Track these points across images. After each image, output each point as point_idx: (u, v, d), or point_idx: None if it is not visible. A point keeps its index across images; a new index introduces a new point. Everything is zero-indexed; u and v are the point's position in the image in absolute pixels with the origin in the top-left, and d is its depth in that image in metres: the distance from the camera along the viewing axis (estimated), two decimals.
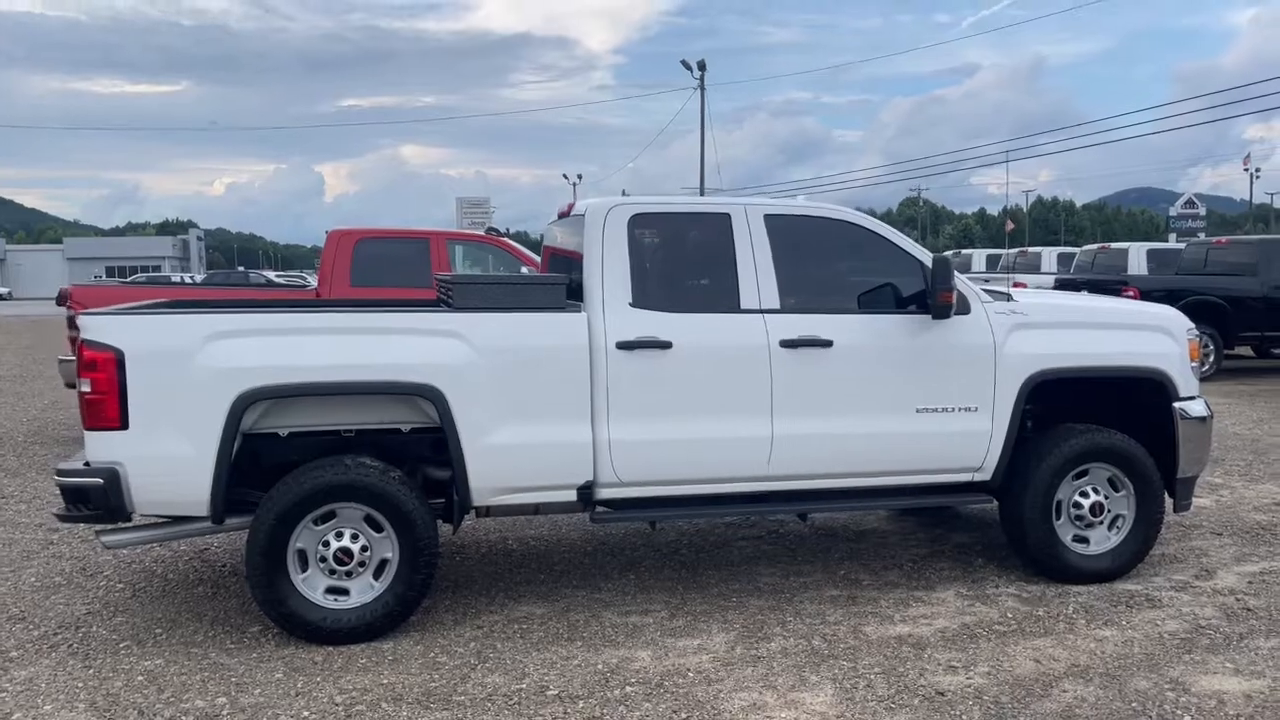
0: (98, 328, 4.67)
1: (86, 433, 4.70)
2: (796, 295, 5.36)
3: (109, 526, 4.92)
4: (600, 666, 4.61)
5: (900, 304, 5.47)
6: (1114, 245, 22.30)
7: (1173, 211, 78.41)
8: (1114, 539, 5.70)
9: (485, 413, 4.92)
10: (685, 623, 5.15)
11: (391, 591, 4.92)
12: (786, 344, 5.25)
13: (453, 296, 5.11)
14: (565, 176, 79.99)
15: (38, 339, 26.79)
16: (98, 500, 4.66)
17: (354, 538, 4.90)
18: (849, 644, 4.84)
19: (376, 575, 4.95)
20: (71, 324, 9.89)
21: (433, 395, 4.86)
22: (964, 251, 30.00)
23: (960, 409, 5.47)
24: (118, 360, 4.61)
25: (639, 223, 5.28)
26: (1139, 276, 18.35)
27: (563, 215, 5.99)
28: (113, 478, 4.63)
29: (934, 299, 5.26)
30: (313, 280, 16.93)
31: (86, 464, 4.72)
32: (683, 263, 5.47)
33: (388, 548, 4.93)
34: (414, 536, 4.90)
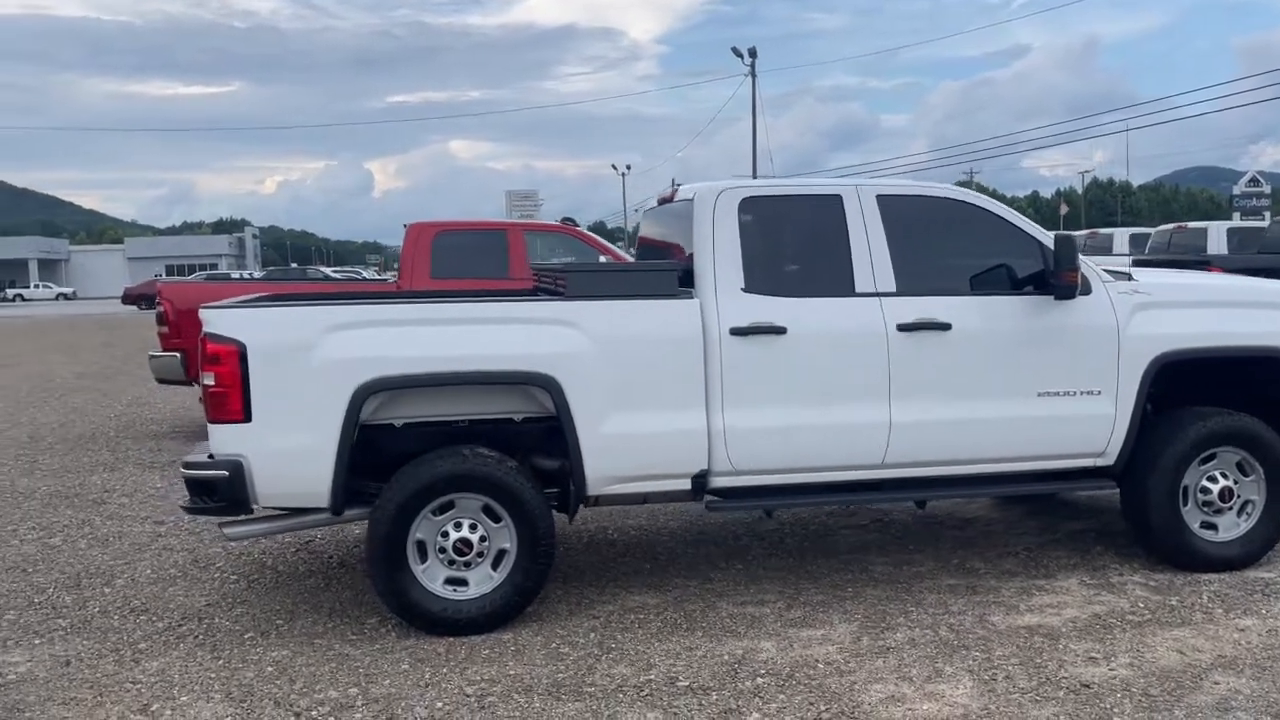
0: (221, 321, 4.69)
1: (210, 425, 4.73)
2: (912, 277, 5.24)
3: (231, 519, 4.95)
4: (726, 657, 4.54)
5: (1018, 285, 5.33)
6: (1191, 224, 21.72)
7: (1236, 190, 76.02)
8: (1244, 525, 5.52)
9: (601, 401, 4.87)
10: (804, 613, 5.07)
11: (510, 582, 4.90)
12: (903, 327, 5.14)
13: (565, 285, 5.07)
14: (614, 167, 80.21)
15: (111, 336, 27.36)
16: (223, 492, 4.69)
17: (472, 528, 4.88)
18: (978, 634, 4.73)
19: (495, 566, 4.93)
20: (162, 320, 10.04)
21: (549, 384, 4.82)
22: (1101, 231, 28.94)
23: (1083, 392, 5.32)
24: (241, 353, 4.63)
25: (749, 207, 5.19)
26: (1221, 256, 17.86)
27: (664, 201, 5.92)
28: (237, 470, 4.66)
29: (1057, 279, 5.12)
30: (369, 275, 17.04)
31: (211, 457, 4.75)
32: (794, 246, 5.37)
33: (506, 538, 4.91)
34: (532, 526, 4.87)
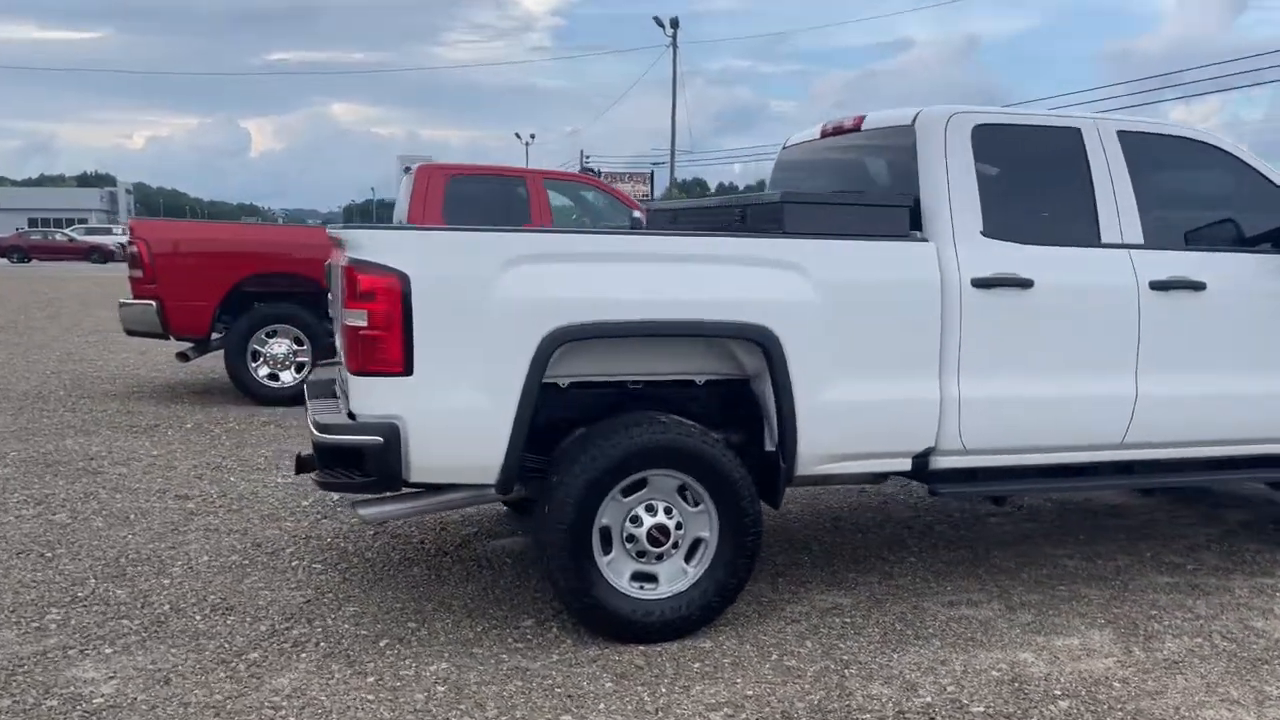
0: (379, 246, 3.67)
1: (353, 378, 3.71)
2: (1159, 228, 4.53)
3: (368, 497, 3.94)
4: (994, 673, 3.76)
5: (1273, 240, 4.66)
6: None
7: None
8: None
9: (823, 361, 4.02)
10: (1034, 616, 4.32)
11: (710, 578, 4.02)
12: (1157, 286, 4.42)
13: (784, 219, 4.16)
14: (518, 136, 77.91)
15: None
16: (374, 464, 3.68)
17: (667, 512, 3.98)
18: (1259, 643, 4.06)
19: (688, 558, 4.04)
20: (135, 263, 8.75)
21: (764, 339, 3.94)
22: None
23: None
24: (403, 288, 3.62)
25: (982, 136, 4.38)
26: None
27: (834, 132, 5.04)
28: (393, 435, 3.66)
29: None
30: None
31: (351, 416, 3.74)
32: (1032, 186, 4.58)
33: (704, 525, 4.02)
34: (738, 512, 3.99)
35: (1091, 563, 5.04)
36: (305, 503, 5.82)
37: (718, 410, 4.33)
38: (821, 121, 5.23)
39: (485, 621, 4.15)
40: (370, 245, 3.67)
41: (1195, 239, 4.61)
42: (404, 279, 3.62)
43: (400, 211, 10.43)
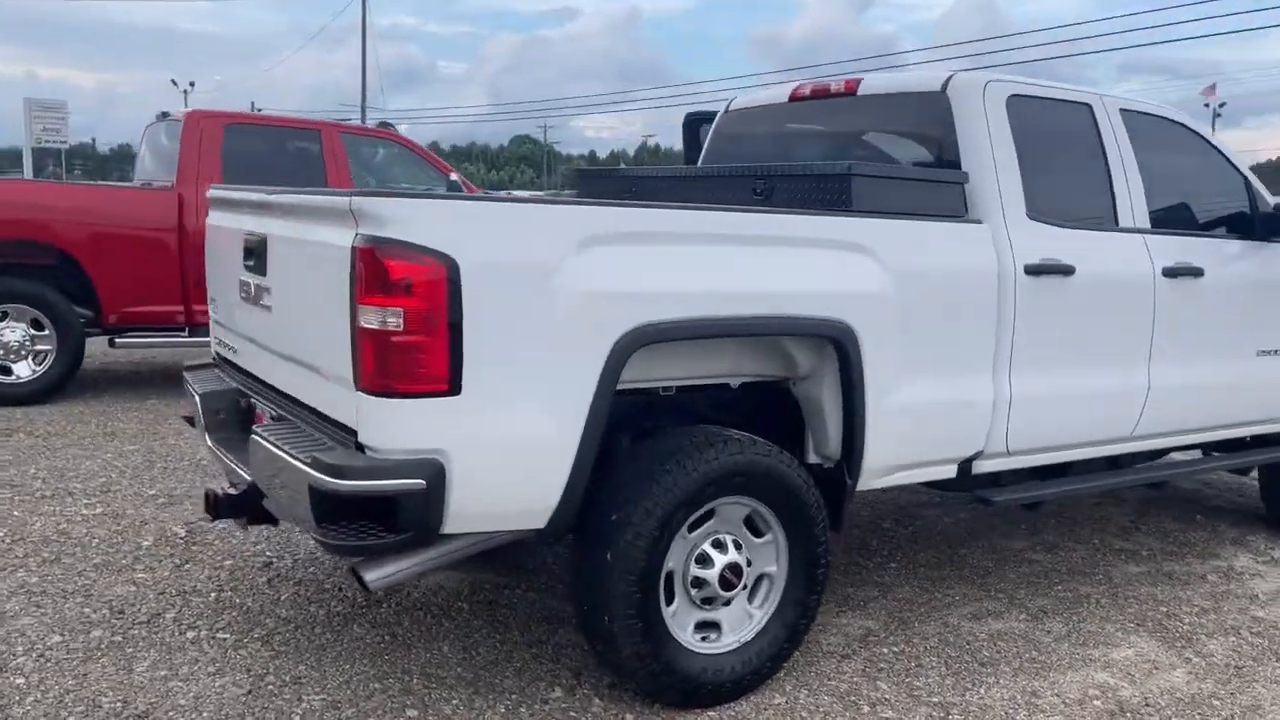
0: (419, 222, 2.68)
1: (371, 399, 2.72)
2: (1160, 213, 4.36)
3: (373, 560, 2.94)
4: (1096, 704, 3.43)
5: (1240, 227, 4.64)
6: None
7: None
8: None
9: (893, 361, 3.48)
10: (1063, 626, 4.05)
11: (779, 620, 3.39)
12: (1167, 273, 4.25)
13: (852, 195, 3.54)
14: (174, 83, 70.70)
15: None
16: (412, 515, 2.72)
17: (737, 547, 3.30)
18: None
19: (751, 599, 3.38)
20: None
21: (842, 336, 3.34)
22: None
23: None
24: (451, 278, 2.68)
25: (1015, 108, 3.99)
26: None
27: (823, 94, 4.48)
28: (437, 477, 2.72)
29: None
30: None
31: (360, 449, 2.75)
32: (1059, 165, 4.22)
33: (770, 558, 3.38)
34: (811, 540, 3.38)
35: (1055, 554, 4.88)
36: (145, 542, 4.53)
37: (746, 418, 3.68)
38: (790, 83, 4.65)
39: (499, 698, 3.27)
40: (407, 220, 2.67)
41: (1184, 224, 4.50)
42: (452, 267, 2.68)
43: (145, 168, 8.74)
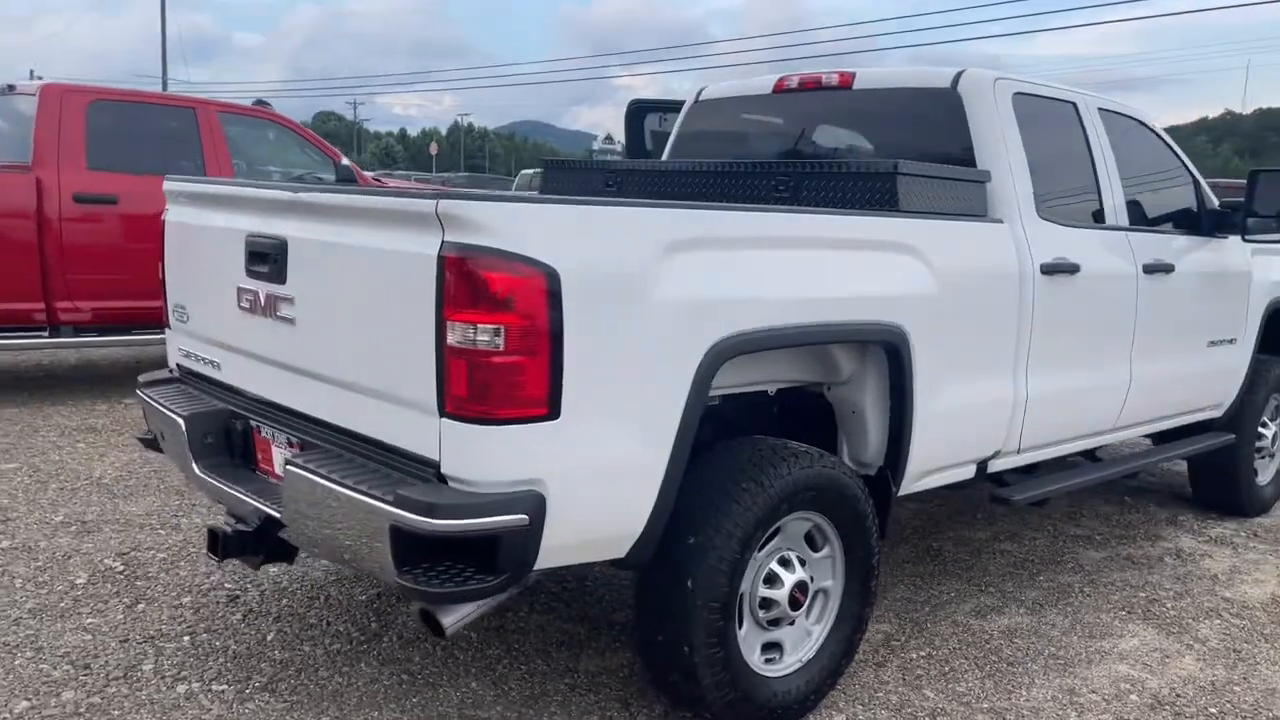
0: (518, 228, 2.40)
1: (461, 426, 2.42)
2: (1134, 210, 4.48)
3: (450, 605, 2.63)
4: (1133, 697, 3.48)
5: (1194, 224, 4.82)
6: None
7: (595, 146, 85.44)
8: None
9: (938, 363, 3.42)
10: (1065, 618, 4.12)
11: (836, 636, 3.27)
12: (1147, 269, 4.37)
13: (899, 194, 3.41)
14: None
15: None
16: (511, 554, 2.45)
17: (801, 563, 3.16)
18: (1259, 615, 4.22)
19: (807, 614, 3.25)
20: None
21: (897, 340, 3.25)
22: (526, 171, 30.29)
23: (1228, 340, 5.01)
24: (551, 289, 2.41)
25: (1019, 106, 3.98)
26: None
27: (814, 86, 4.35)
28: (539, 511, 2.46)
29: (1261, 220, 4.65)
30: None
31: (441, 481, 2.45)
32: (1055, 163, 4.23)
33: (827, 572, 3.26)
34: (867, 551, 3.29)
35: (1020, 544, 4.98)
36: (78, 580, 4.00)
37: (776, 425, 3.55)
38: (777, 74, 4.51)
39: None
40: (503, 225, 2.38)
41: (1150, 221, 4.63)
42: (552, 277, 2.41)
43: None
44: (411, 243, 2.46)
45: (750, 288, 2.81)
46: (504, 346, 2.37)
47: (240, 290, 3.08)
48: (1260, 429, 5.48)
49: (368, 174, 9.85)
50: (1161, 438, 5.14)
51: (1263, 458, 5.56)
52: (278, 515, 2.84)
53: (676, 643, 2.88)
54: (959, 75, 3.91)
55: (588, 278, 2.47)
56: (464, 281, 2.37)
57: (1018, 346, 3.76)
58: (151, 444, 3.61)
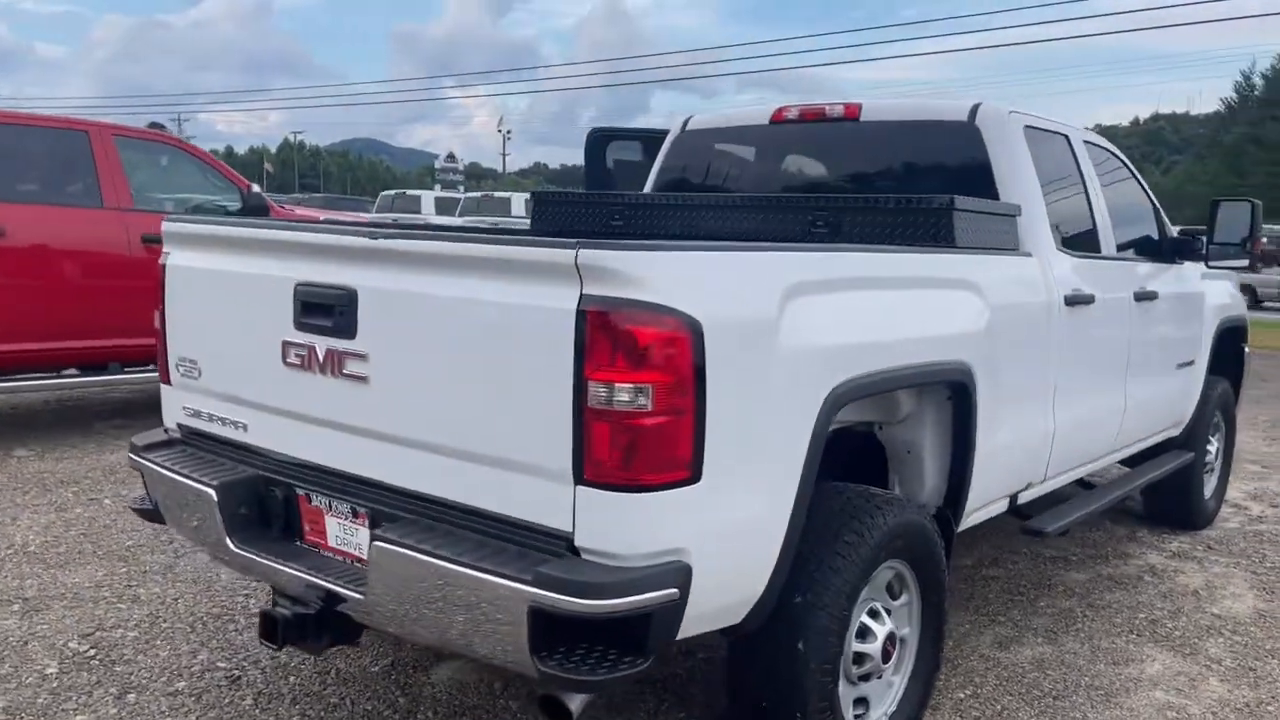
0: (657, 277, 2.21)
1: (604, 494, 2.22)
2: (1119, 239, 4.59)
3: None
4: None
5: (1157, 251, 4.97)
6: (497, 194, 25.81)
7: (438, 165, 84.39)
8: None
9: (995, 399, 3.38)
10: (1084, 646, 4.15)
11: (915, 683, 3.18)
12: (1138, 297, 4.48)
13: (955, 230, 3.35)
14: None
15: None
16: (660, 630, 2.26)
17: (887, 613, 3.06)
18: (1254, 630, 4.36)
19: (884, 663, 3.15)
20: None
21: (964, 379, 3.20)
22: (409, 193, 29.62)
23: (1190, 362, 5.20)
24: (696, 344, 2.24)
25: (1030, 139, 4.01)
26: None
27: (817, 117, 4.28)
28: (687, 583, 2.27)
29: (1251, 248, 4.85)
30: None
31: (573, 550, 2.24)
32: (1059, 193, 4.26)
33: (904, 620, 3.17)
34: (940, 596, 3.22)
35: (1005, 568, 5.02)
36: (48, 669, 3.54)
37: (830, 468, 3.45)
38: (771, 104, 4.43)
39: None
40: (647, 275, 2.19)
41: (1128, 249, 4.75)
42: (696, 330, 2.24)
43: None
44: (543, 296, 2.24)
45: (862, 330, 2.71)
46: (652, 406, 2.18)
47: (287, 345, 2.76)
48: (1207, 445, 5.71)
49: (279, 206, 9.30)
50: (1130, 460, 5.28)
51: (1208, 473, 5.80)
52: (356, 595, 2.55)
53: (786, 709, 2.72)
54: (976, 108, 3.92)
55: (725, 328, 2.31)
56: (608, 338, 2.17)
57: (1049, 378, 3.78)
58: (151, 515, 3.23)
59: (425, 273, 2.48)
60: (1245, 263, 4.84)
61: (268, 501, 2.91)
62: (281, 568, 2.74)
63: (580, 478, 2.23)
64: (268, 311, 2.79)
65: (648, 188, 4.79)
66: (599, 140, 5.51)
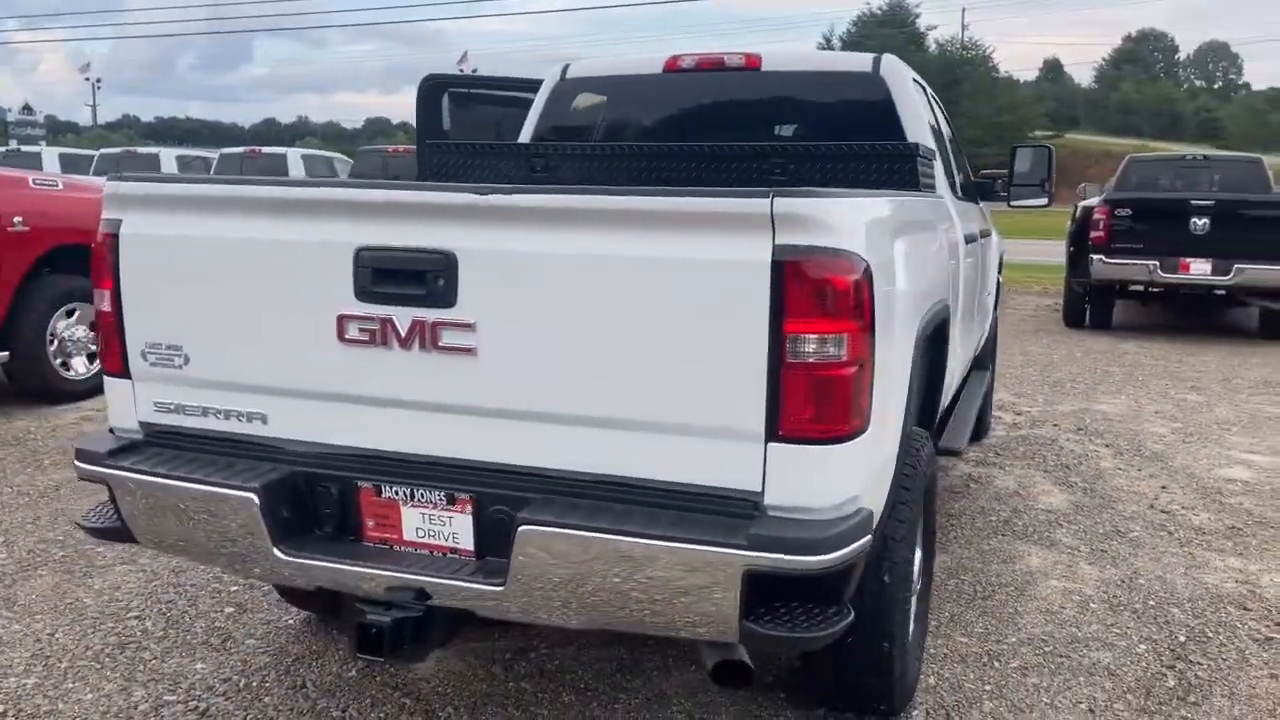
0: (842, 224, 2.18)
1: (800, 449, 2.18)
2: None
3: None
4: (1096, 606, 4.02)
5: (968, 193, 5.46)
6: (141, 150, 23.44)
7: (10, 118, 74.58)
8: None
9: (955, 332, 3.67)
10: (974, 546, 4.61)
11: (921, 608, 3.38)
12: (981, 235, 4.95)
13: (917, 175, 3.50)
14: None
15: None
16: (857, 582, 2.27)
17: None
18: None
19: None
20: None
21: (946, 314, 3.42)
22: (141, 150, 25.59)
23: (991, 293, 5.82)
24: (871, 291, 2.24)
25: (918, 88, 4.31)
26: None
27: (715, 67, 4.29)
28: (873, 529, 2.30)
29: (1049, 188, 5.43)
30: None
31: (755, 509, 2.21)
32: (933, 142, 4.56)
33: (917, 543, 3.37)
34: (933, 522, 3.45)
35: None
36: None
37: None
38: (662, 54, 4.39)
39: None
40: (836, 223, 2.16)
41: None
42: (869, 276, 2.25)
43: None
44: (726, 248, 2.13)
45: (926, 271, 2.84)
46: (846, 356, 2.17)
47: (345, 319, 2.42)
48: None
49: None
50: None
51: None
52: (486, 587, 2.32)
53: (874, 642, 2.80)
54: (879, 59, 4.12)
55: (882, 271, 2.33)
56: (806, 288, 2.12)
57: (958, 312, 4.10)
58: (113, 534, 2.71)
59: (558, 230, 2.26)
60: (1045, 201, 5.47)
61: (314, 500, 2.55)
62: (357, 569, 2.42)
63: (774, 435, 2.17)
64: (311, 282, 2.43)
65: (524, 137, 4.59)
66: (434, 88, 5.18)
